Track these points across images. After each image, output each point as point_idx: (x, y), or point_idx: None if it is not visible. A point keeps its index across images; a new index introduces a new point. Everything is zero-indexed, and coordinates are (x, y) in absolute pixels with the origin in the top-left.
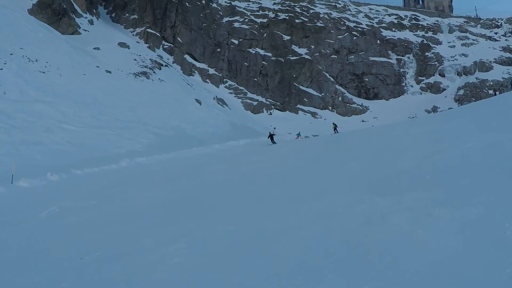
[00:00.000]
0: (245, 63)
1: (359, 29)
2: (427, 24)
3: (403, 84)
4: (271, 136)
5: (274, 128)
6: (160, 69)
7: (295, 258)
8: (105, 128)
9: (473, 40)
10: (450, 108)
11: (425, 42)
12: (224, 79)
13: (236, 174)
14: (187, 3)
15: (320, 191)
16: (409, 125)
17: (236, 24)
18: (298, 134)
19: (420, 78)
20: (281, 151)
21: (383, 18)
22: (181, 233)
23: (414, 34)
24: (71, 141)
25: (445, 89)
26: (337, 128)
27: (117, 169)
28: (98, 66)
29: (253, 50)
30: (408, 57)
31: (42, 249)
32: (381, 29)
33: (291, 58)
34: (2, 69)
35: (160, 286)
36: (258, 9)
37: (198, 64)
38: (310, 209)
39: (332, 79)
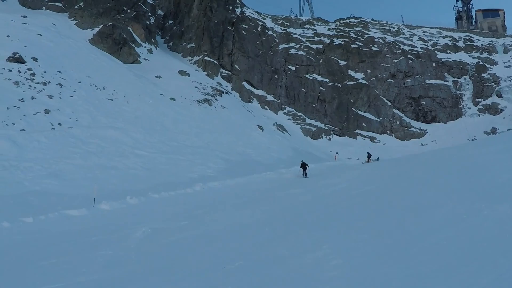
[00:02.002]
0: (303, 89)
1: (414, 52)
2: (482, 44)
3: (461, 106)
4: (303, 165)
5: (336, 153)
6: (221, 96)
7: (435, 259)
8: (175, 154)
9: None
10: (510, 129)
11: (480, 63)
12: (283, 105)
13: (319, 195)
14: (243, 31)
15: (432, 202)
16: (476, 146)
17: (292, 51)
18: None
19: (477, 99)
20: (353, 174)
21: (437, 40)
22: (317, 241)
23: (469, 56)
24: (144, 166)
25: (503, 110)
26: (371, 157)
27: (192, 193)
28: (162, 94)
29: (310, 76)
30: (465, 79)
31: (172, 262)
32: (436, 52)
33: (348, 83)
34: (72, 96)
35: (337, 281)
36: (313, 35)
37: (256, 91)
38: (433, 217)
39: (389, 103)
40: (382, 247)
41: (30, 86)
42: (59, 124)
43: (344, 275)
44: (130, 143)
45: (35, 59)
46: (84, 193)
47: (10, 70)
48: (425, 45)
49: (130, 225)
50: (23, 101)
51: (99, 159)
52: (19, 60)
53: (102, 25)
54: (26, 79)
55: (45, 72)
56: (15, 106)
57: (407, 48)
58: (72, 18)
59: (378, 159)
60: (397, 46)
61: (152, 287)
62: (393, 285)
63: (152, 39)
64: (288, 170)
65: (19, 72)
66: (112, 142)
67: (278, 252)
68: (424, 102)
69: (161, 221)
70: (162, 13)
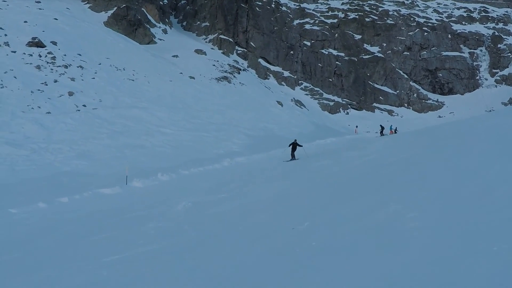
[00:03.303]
0: (319, 64)
1: (429, 24)
2: (497, 15)
3: (477, 77)
4: (293, 146)
5: (356, 127)
6: (239, 73)
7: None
8: (199, 131)
9: None
10: None
11: (496, 34)
12: (299, 81)
13: (353, 165)
14: (257, 8)
15: (479, 164)
16: (497, 116)
17: (307, 26)
18: (390, 128)
19: (494, 70)
20: (379, 145)
21: (452, 12)
22: (379, 202)
23: (484, 27)
24: (170, 144)
25: None
26: (383, 131)
27: (220, 168)
28: (181, 73)
29: (325, 51)
30: (481, 50)
31: (232, 227)
32: (451, 23)
33: (364, 57)
34: (94, 78)
35: (423, 231)
36: (327, 10)
37: (272, 68)
38: (487, 176)
39: (406, 76)
40: (454, 201)
41: (52, 69)
42: (84, 105)
43: (427, 224)
44: (155, 121)
45: (54, 43)
46: (115, 172)
47: (31, 55)
48: (440, 17)
49: (168, 200)
50: (46, 85)
51: (126, 138)
52: (39, 44)
53: (116, 7)
54: (47, 62)
55: (65, 55)
56: (39, 90)
57: (422, 20)
58: (85, 2)
59: (396, 131)
60: (412, 19)
61: (227, 249)
62: (483, 228)
63: (166, 19)
64: (312, 143)
65: (40, 56)
66: (137, 121)
67: (343, 212)
68: (440, 74)
69: (198, 195)
70: None
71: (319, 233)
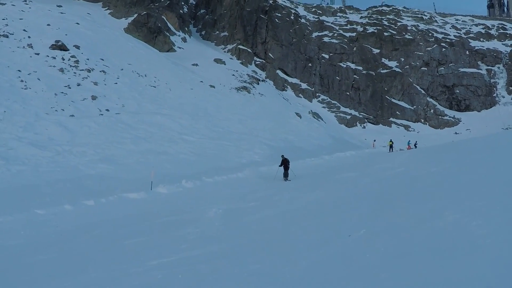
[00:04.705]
0: (337, 77)
1: (447, 40)
2: None
3: (494, 95)
4: (284, 163)
5: (374, 141)
6: (258, 83)
7: None
8: (221, 139)
9: None
10: None
11: None
12: (317, 94)
13: (380, 177)
14: (276, 19)
15: None
16: None
17: (325, 39)
18: (408, 143)
19: (511, 88)
20: (402, 159)
21: (470, 28)
22: (432, 210)
23: (502, 44)
24: (193, 151)
25: None
26: (393, 146)
27: (243, 177)
28: (202, 81)
29: (344, 64)
30: (498, 67)
31: (279, 235)
32: (469, 39)
33: (381, 71)
34: (116, 83)
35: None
36: (346, 23)
37: (290, 79)
38: None
39: (423, 92)
40: None
41: (75, 73)
42: (107, 110)
43: (495, 232)
44: (177, 128)
45: (77, 47)
46: (139, 177)
47: (54, 58)
48: (458, 33)
49: (196, 207)
50: (70, 88)
51: (149, 144)
52: (62, 47)
53: (136, 14)
54: (70, 66)
55: (88, 59)
56: (62, 92)
57: (440, 36)
58: (106, 8)
59: (416, 145)
60: (430, 34)
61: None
62: None
63: (186, 28)
64: (331, 156)
65: (63, 59)
66: (159, 127)
67: (397, 221)
68: (457, 91)
69: (226, 203)
70: (194, 2)
71: (382, 239)
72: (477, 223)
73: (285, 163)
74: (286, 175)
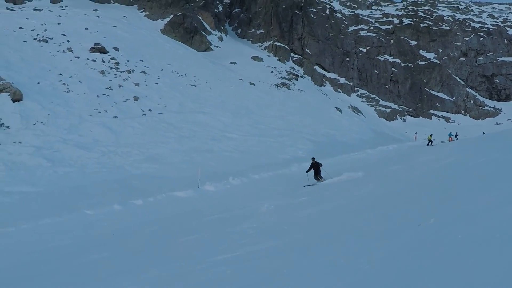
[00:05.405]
0: (375, 71)
1: (484, 29)
2: None
3: None
4: (315, 166)
5: (416, 134)
6: (297, 80)
7: None
8: (264, 136)
9: None
10: None
11: None
12: (355, 88)
13: (432, 168)
14: (312, 15)
15: None
16: None
17: (362, 33)
18: (450, 135)
19: None
20: (442, 150)
21: (507, 16)
22: (500, 196)
23: None
24: (237, 149)
25: None
26: (432, 140)
27: (289, 173)
28: (241, 79)
29: (381, 57)
30: None
31: (344, 227)
32: (507, 28)
33: (420, 63)
34: (157, 83)
35: None
36: (381, 16)
37: (328, 74)
38: None
39: (462, 82)
40: None
41: (116, 74)
42: (150, 110)
43: None
44: (220, 126)
45: (116, 49)
46: (185, 176)
47: (94, 60)
48: (495, 21)
49: (246, 203)
50: (111, 89)
51: (193, 142)
52: (102, 50)
53: (172, 15)
54: (111, 68)
55: (128, 61)
56: (104, 94)
57: (477, 25)
58: (141, 10)
59: (457, 137)
60: (467, 24)
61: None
62: None
63: (222, 27)
64: (374, 150)
65: (103, 61)
66: (202, 126)
67: (467, 208)
68: (497, 80)
69: (276, 199)
70: (229, 1)
71: (456, 227)
72: None
73: (315, 167)
74: (317, 178)
